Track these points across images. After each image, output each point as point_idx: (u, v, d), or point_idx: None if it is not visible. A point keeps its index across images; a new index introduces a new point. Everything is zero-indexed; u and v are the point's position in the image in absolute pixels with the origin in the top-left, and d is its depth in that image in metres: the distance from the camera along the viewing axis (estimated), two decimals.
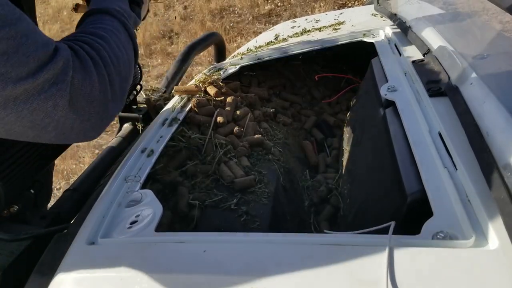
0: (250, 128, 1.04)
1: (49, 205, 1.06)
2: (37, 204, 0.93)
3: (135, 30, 0.91)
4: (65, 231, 0.78)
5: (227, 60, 1.48)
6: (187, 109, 1.07)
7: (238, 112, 1.10)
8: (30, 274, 0.68)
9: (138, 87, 1.28)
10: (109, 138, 3.11)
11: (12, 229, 0.79)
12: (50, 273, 0.64)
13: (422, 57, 1.01)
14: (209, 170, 0.94)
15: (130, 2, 0.90)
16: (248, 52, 1.47)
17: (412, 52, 1.07)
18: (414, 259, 0.51)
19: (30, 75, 0.54)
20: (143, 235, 0.64)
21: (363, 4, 2.72)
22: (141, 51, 5.25)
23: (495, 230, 0.52)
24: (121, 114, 1.27)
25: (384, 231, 0.56)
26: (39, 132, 0.59)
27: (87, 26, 0.76)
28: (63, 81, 0.57)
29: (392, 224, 0.55)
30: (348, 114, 1.36)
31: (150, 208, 0.70)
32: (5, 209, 0.81)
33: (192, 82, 1.41)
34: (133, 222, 0.67)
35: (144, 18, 0.98)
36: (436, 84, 0.85)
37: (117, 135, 1.24)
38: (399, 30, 1.25)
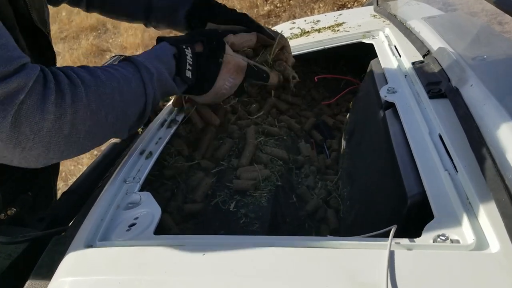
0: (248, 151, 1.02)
1: None
2: (36, 206, 0.93)
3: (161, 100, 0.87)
4: (63, 233, 0.77)
5: None
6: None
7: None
8: (28, 277, 0.68)
9: None
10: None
11: (9, 232, 0.78)
12: (48, 276, 0.63)
13: (422, 59, 1.01)
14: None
15: (179, 74, 0.82)
16: None
17: (412, 54, 1.07)
18: (415, 262, 0.50)
19: None
20: (142, 238, 0.63)
21: (362, 5, 2.72)
22: (140, 52, 5.25)
23: (496, 233, 0.51)
24: None
25: (385, 234, 0.55)
26: None
27: (104, 66, 0.74)
28: (10, 103, 0.55)
29: (393, 227, 0.55)
30: (347, 115, 1.36)
31: (149, 210, 0.70)
32: (3, 211, 0.81)
33: None
34: (131, 225, 0.67)
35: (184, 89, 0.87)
36: (436, 85, 0.85)
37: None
38: (398, 31, 1.25)
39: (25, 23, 0.78)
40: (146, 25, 1.11)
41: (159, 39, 0.86)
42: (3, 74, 0.55)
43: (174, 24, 1.06)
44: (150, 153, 0.88)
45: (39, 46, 0.86)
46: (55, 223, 0.87)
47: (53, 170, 1.13)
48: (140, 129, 1.23)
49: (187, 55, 0.82)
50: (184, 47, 0.82)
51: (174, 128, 0.99)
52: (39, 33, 0.83)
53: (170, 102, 1.13)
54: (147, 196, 0.74)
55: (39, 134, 0.59)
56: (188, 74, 0.83)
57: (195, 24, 1.03)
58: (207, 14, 1.01)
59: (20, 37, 0.77)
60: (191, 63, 0.83)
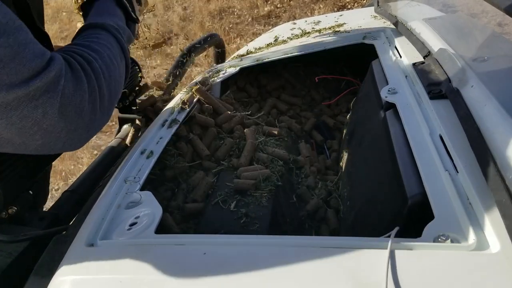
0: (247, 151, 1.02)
1: (48, 206, 1.06)
2: (35, 205, 0.93)
3: (128, 46, 0.92)
4: (64, 232, 0.77)
5: (226, 62, 1.48)
6: (187, 110, 1.07)
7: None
8: (28, 275, 0.68)
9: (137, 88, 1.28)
10: (108, 139, 3.10)
11: (10, 231, 0.78)
12: (48, 275, 0.63)
13: (423, 60, 1.01)
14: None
15: (126, 19, 0.92)
16: (247, 54, 1.47)
17: (413, 54, 1.07)
18: (415, 262, 0.51)
19: (23, 83, 0.55)
20: (143, 237, 0.63)
21: (363, 6, 2.72)
22: (140, 52, 5.25)
23: (496, 233, 0.51)
24: (120, 115, 1.27)
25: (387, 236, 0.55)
26: (26, 139, 0.59)
27: (82, 39, 0.78)
28: (54, 90, 0.59)
29: (395, 229, 0.55)
30: (348, 116, 1.36)
31: (150, 209, 0.70)
32: (4, 210, 0.81)
33: (192, 83, 1.41)
34: (132, 224, 0.67)
35: (135, 31, 0.99)
36: (436, 86, 0.85)
37: (116, 136, 1.24)
38: (399, 32, 1.25)
39: (29, 26, 0.79)
40: None
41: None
42: (42, 65, 0.57)
43: None
44: (151, 153, 0.88)
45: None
46: (55, 222, 0.87)
47: (49, 168, 1.13)
48: (141, 129, 1.23)
49: (124, 1, 0.92)
50: None
51: (175, 127, 0.99)
52: (40, 34, 0.84)
53: (170, 103, 1.13)
54: (148, 196, 0.74)
55: (82, 114, 0.63)
56: (134, 15, 0.94)
57: None
58: None
59: None
60: (127, 5, 0.92)
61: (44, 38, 0.86)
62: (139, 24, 1.04)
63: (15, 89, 0.54)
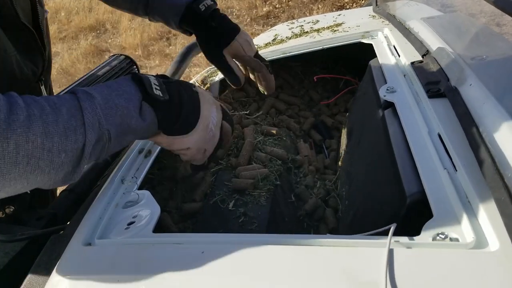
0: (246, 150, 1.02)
1: None
2: (33, 205, 0.92)
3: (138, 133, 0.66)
4: (62, 232, 0.77)
5: None
6: None
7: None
8: (26, 275, 0.68)
9: None
10: None
11: (8, 230, 0.78)
12: (46, 274, 0.63)
13: (421, 58, 1.01)
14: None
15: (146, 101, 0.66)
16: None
17: (411, 53, 1.07)
18: (414, 260, 0.50)
19: None
20: (141, 236, 0.63)
21: (361, 6, 2.72)
22: (139, 52, 5.25)
23: (495, 232, 0.51)
24: None
25: (385, 233, 0.55)
26: None
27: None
28: None
29: (393, 226, 0.55)
30: (346, 115, 1.36)
31: (148, 209, 0.70)
32: (1, 209, 0.81)
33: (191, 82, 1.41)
34: (130, 223, 0.67)
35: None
36: (435, 85, 0.85)
37: None
38: (397, 31, 1.25)
39: (12, 20, 0.78)
40: (150, 20, 1.10)
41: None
42: None
43: (172, 28, 1.07)
44: (149, 152, 0.88)
45: (27, 43, 0.86)
46: (53, 221, 0.87)
47: None
48: None
49: (149, 77, 0.68)
50: (148, 76, 0.69)
51: None
52: (26, 30, 0.83)
53: None
54: (146, 195, 0.74)
55: None
56: (157, 92, 0.66)
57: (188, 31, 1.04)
58: (195, 26, 1.01)
59: (2, 36, 0.76)
60: (156, 83, 0.68)
61: (30, 36, 0.85)
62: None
63: None
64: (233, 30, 1.01)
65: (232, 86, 1.01)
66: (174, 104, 0.68)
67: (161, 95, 0.66)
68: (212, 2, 1.02)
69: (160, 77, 0.71)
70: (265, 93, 1.05)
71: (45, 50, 0.90)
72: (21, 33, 0.81)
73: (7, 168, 0.52)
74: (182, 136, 0.70)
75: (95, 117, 0.59)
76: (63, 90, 0.81)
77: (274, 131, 1.14)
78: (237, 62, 1.01)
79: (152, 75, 0.69)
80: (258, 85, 1.06)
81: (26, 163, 0.54)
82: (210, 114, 0.73)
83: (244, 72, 1.04)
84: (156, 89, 0.66)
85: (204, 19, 0.99)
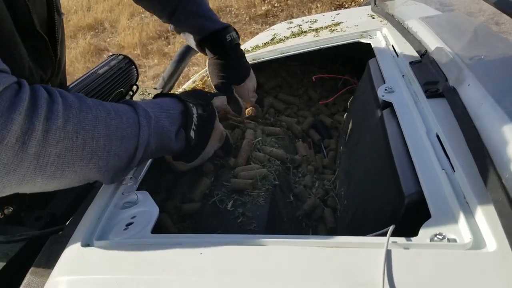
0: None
1: None
2: (32, 205, 0.93)
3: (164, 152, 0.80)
4: (60, 232, 0.77)
5: None
6: None
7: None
8: (25, 275, 0.68)
9: (135, 87, 1.27)
10: None
11: (7, 231, 0.78)
12: (45, 275, 0.64)
13: (420, 58, 1.01)
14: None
15: (184, 127, 0.79)
16: (245, 53, 1.47)
17: (410, 53, 1.07)
18: (412, 261, 0.51)
19: None
20: (139, 237, 0.63)
21: (360, 5, 2.72)
22: (137, 51, 5.25)
23: (493, 232, 0.51)
24: None
25: (383, 234, 0.55)
26: None
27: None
28: None
29: (391, 227, 0.55)
30: (345, 115, 1.36)
31: (146, 209, 0.70)
32: (0, 210, 0.81)
33: (189, 83, 1.41)
34: (129, 224, 0.67)
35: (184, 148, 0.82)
36: (433, 85, 0.85)
37: None
38: (396, 31, 1.25)
39: (27, 28, 0.78)
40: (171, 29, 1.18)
41: (161, 95, 0.84)
42: None
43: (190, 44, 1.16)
44: None
45: (39, 50, 0.85)
46: (52, 222, 0.87)
47: None
48: None
49: (194, 114, 0.80)
50: (191, 105, 0.81)
51: None
52: (39, 37, 0.83)
53: None
54: (144, 195, 0.74)
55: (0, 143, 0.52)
56: (192, 134, 0.79)
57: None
58: (214, 50, 1.11)
59: (19, 42, 0.76)
60: (196, 123, 0.80)
61: (43, 43, 0.85)
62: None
63: None
64: (246, 71, 1.15)
65: (234, 113, 1.11)
66: (193, 146, 0.82)
67: (193, 138, 0.80)
68: (237, 36, 1.14)
69: (198, 106, 0.84)
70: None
71: (57, 56, 0.89)
72: (34, 40, 0.80)
73: (73, 160, 0.59)
74: (182, 163, 0.85)
75: (147, 134, 0.69)
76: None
77: (275, 131, 1.14)
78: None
79: (195, 107, 0.82)
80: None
81: (89, 160, 0.62)
82: (211, 149, 0.89)
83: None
84: (193, 129, 0.80)
85: (226, 49, 1.10)
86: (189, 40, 1.14)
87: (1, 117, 0.51)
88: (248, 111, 1.16)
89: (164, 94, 0.84)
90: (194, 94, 0.90)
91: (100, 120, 0.62)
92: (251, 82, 1.17)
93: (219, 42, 1.09)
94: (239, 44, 1.15)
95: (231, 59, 1.11)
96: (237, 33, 1.14)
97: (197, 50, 1.17)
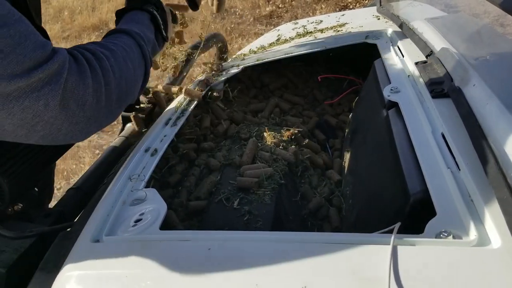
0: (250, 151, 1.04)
1: (52, 204, 1.07)
2: (40, 202, 0.94)
3: (154, 56, 0.95)
4: (69, 229, 0.78)
5: (229, 61, 1.48)
6: (191, 108, 1.08)
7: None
8: (34, 271, 0.69)
9: None
10: (109, 139, 3.11)
11: (16, 227, 0.79)
12: (54, 270, 0.64)
13: (425, 59, 1.02)
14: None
15: (156, 30, 0.94)
16: (250, 53, 1.48)
17: (415, 54, 1.07)
18: (417, 257, 0.51)
19: (25, 73, 0.55)
20: (148, 233, 0.64)
21: (365, 6, 2.72)
22: None
23: (497, 230, 0.52)
24: (123, 113, 1.28)
25: (389, 232, 0.56)
26: (27, 132, 0.59)
27: (103, 40, 0.79)
28: (57, 82, 0.58)
29: (397, 224, 0.56)
30: (350, 115, 1.37)
31: (155, 206, 0.70)
32: (10, 207, 0.82)
33: (196, 83, 1.41)
34: (137, 220, 0.68)
35: (163, 46, 1.01)
36: (439, 85, 0.86)
37: (119, 135, 1.25)
38: (401, 31, 1.25)
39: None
40: None
41: (119, 12, 0.96)
42: (44, 56, 0.57)
43: None
44: (155, 151, 0.89)
45: None
46: (61, 219, 0.88)
47: (53, 167, 1.14)
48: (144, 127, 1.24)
49: (157, 17, 0.94)
50: (152, 10, 0.94)
51: (179, 125, 0.99)
52: (38, 31, 0.84)
53: (173, 102, 1.14)
54: (152, 193, 0.74)
55: (84, 107, 0.63)
56: (164, 33, 0.96)
57: None
58: None
59: None
60: (162, 23, 0.95)
61: (42, 35, 0.86)
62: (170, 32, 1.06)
63: (17, 80, 0.54)
64: None
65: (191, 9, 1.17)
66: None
67: (166, 35, 0.97)
68: None
69: (151, 2, 0.96)
70: (215, 11, 1.19)
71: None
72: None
73: (124, 96, 0.75)
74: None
75: (147, 51, 0.84)
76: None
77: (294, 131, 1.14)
78: None
79: (151, 7, 0.95)
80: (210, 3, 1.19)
81: (130, 91, 0.78)
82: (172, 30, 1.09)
83: None
84: (163, 29, 0.96)
85: None
86: None
87: (79, 85, 0.62)
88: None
89: (127, 10, 0.95)
90: None
91: (126, 59, 0.76)
92: None
93: None
94: None
95: None
96: None
97: None
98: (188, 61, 1.65)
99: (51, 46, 0.60)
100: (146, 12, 0.93)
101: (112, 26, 6.41)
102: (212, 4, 1.16)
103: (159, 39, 0.96)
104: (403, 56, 1.11)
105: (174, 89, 1.22)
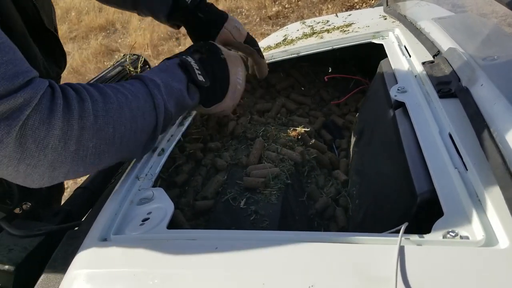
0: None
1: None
2: (49, 201, 0.94)
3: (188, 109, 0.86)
4: (77, 228, 0.79)
5: None
6: None
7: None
8: (43, 269, 0.70)
9: None
10: None
11: (25, 226, 0.80)
12: (62, 269, 0.65)
13: (432, 59, 1.01)
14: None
15: (190, 83, 0.82)
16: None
17: (422, 54, 1.07)
18: (424, 257, 0.51)
19: None
20: (156, 232, 0.65)
21: (371, 7, 2.72)
22: (148, 52, 5.29)
23: (505, 230, 0.52)
24: None
25: (396, 232, 0.56)
26: None
27: (110, 84, 0.72)
28: (15, 118, 0.54)
29: (405, 224, 0.56)
30: (357, 115, 1.37)
31: (162, 205, 0.71)
32: (19, 206, 0.83)
33: None
34: (145, 219, 0.68)
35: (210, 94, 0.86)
36: (446, 85, 0.85)
37: None
38: (408, 31, 1.25)
39: (37, 27, 0.79)
40: (138, 14, 1.13)
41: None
42: (8, 89, 0.53)
43: (161, 21, 1.10)
44: (162, 150, 0.89)
45: (50, 46, 0.87)
46: (69, 217, 0.89)
47: None
48: None
49: (191, 61, 0.82)
50: (184, 56, 0.83)
51: (186, 125, 1.00)
52: (49, 34, 0.84)
53: None
54: (159, 192, 0.75)
55: (45, 150, 0.58)
56: (201, 78, 0.82)
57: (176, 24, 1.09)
58: (183, 19, 1.06)
59: (32, 43, 0.77)
60: (197, 67, 0.82)
61: (53, 39, 0.87)
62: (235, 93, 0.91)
63: None
64: (221, 17, 1.06)
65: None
66: (211, 85, 0.84)
67: (203, 80, 0.82)
68: None
69: (194, 52, 0.86)
70: (258, 77, 1.11)
71: (63, 50, 0.91)
72: (45, 38, 0.82)
73: (107, 147, 0.66)
74: (216, 105, 0.88)
75: (162, 102, 0.74)
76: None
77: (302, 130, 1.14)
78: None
79: (190, 56, 0.83)
80: (251, 70, 1.12)
81: (120, 143, 0.68)
82: (237, 76, 0.90)
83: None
84: (199, 74, 0.81)
85: (191, 11, 1.03)
86: (161, 20, 1.08)
87: (43, 124, 0.56)
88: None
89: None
90: (189, 47, 0.92)
91: (123, 106, 0.67)
92: (231, 23, 1.07)
93: (181, 8, 1.03)
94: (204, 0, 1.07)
95: (200, 17, 1.04)
96: None
97: (172, 27, 1.12)
98: None
99: (26, 78, 0.56)
100: (177, 59, 0.83)
101: (118, 26, 6.44)
102: (254, 71, 1.12)
103: (192, 90, 0.83)
104: (410, 56, 1.10)
105: None
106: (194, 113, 1.06)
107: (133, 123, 0.69)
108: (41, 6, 0.80)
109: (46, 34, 0.84)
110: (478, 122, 0.69)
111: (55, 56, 0.90)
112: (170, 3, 1.03)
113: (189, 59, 0.82)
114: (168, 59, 0.85)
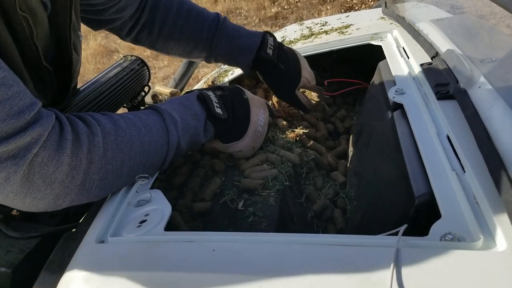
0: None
1: None
2: None
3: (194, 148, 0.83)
4: (74, 230, 0.79)
5: None
6: None
7: None
8: (39, 271, 0.69)
9: (146, 88, 1.29)
10: None
11: (22, 227, 0.80)
12: (59, 271, 0.65)
13: (430, 60, 1.01)
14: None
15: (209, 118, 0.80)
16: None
17: (420, 55, 1.07)
18: (422, 260, 0.51)
19: None
20: (153, 234, 0.64)
21: (370, 8, 2.72)
22: (147, 52, 5.28)
23: (503, 232, 0.52)
24: None
25: (394, 234, 0.56)
26: None
27: (128, 113, 0.72)
28: (23, 157, 0.53)
29: (403, 227, 0.56)
30: (355, 117, 1.37)
31: (160, 207, 0.71)
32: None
33: (200, 83, 1.42)
34: (142, 221, 0.68)
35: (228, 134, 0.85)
36: (444, 87, 0.85)
37: None
38: (407, 33, 1.25)
39: (35, 63, 0.72)
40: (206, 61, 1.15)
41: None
42: (15, 128, 0.52)
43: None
44: None
45: (50, 80, 0.80)
46: (66, 219, 0.89)
47: None
48: None
49: (210, 95, 0.81)
50: (205, 91, 0.82)
51: None
52: (45, 70, 0.76)
53: None
54: (157, 194, 0.75)
55: (52, 185, 0.58)
56: (218, 110, 0.80)
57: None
58: (262, 71, 1.08)
59: (26, 74, 0.71)
60: (217, 101, 0.81)
61: (48, 73, 0.78)
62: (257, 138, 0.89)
63: None
64: (296, 64, 1.10)
65: (302, 112, 1.17)
66: (230, 119, 0.82)
67: (221, 113, 0.80)
68: (272, 38, 1.07)
69: (216, 89, 0.84)
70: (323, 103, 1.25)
71: (71, 83, 0.86)
72: (39, 72, 0.76)
73: (113, 180, 0.67)
74: (235, 142, 0.86)
75: (176, 138, 0.73)
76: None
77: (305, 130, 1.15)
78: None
79: (211, 91, 0.82)
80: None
81: (127, 176, 0.69)
82: (258, 117, 0.88)
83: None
84: (217, 107, 0.79)
85: (273, 64, 1.05)
86: (245, 70, 1.10)
87: (51, 161, 0.56)
88: (313, 98, 1.19)
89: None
90: (212, 87, 0.91)
91: (134, 140, 0.67)
92: (307, 69, 1.12)
93: (263, 61, 1.05)
94: (281, 46, 1.10)
95: (281, 68, 1.06)
96: (271, 34, 1.09)
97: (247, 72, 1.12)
98: (193, 62, 1.66)
99: (34, 111, 0.54)
100: (198, 90, 0.81)
101: None
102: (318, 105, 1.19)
103: (209, 129, 0.80)
104: (408, 58, 1.10)
105: (174, 91, 1.22)
106: None
107: (142, 157, 0.70)
108: (41, 45, 0.73)
109: (41, 69, 0.76)
110: (476, 124, 0.69)
111: (44, 88, 0.83)
112: (253, 55, 1.04)
113: (209, 93, 0.81)
114: (189, 92, 0.84)
